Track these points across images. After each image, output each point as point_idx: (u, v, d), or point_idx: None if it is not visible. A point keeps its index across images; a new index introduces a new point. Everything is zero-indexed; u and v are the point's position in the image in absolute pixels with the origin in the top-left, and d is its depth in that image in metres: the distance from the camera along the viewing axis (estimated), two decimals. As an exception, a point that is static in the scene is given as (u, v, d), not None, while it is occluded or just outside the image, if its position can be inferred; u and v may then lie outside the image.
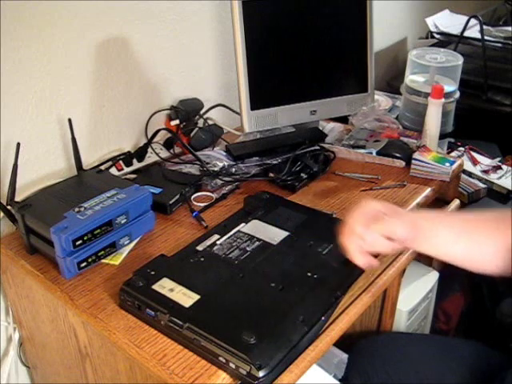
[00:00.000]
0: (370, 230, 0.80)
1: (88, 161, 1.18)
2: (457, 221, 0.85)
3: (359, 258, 0.81)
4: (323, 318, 0.80)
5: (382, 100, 1.56)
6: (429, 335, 1.32)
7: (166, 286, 0.82)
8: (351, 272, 0.88)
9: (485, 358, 1.02)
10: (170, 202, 1.07)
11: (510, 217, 0.83)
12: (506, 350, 0.96)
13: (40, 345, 1.09)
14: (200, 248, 0.92)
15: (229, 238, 0.95)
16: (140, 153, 1.22)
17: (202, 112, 1.34)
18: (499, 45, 1.83)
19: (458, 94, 1.38)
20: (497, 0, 2.45)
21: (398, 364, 1.04)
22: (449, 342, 1.12)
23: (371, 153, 1.25)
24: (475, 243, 0.83)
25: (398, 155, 1.22)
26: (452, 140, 1.54)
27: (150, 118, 1.27)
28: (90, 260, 0.90)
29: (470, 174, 1.47)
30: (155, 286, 0.82)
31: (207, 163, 1.18)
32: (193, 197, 1.13)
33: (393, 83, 1.83)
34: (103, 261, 0.94)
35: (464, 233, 0.84)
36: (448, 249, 0.84)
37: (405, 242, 0.82)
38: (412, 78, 1.43)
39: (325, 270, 0.86)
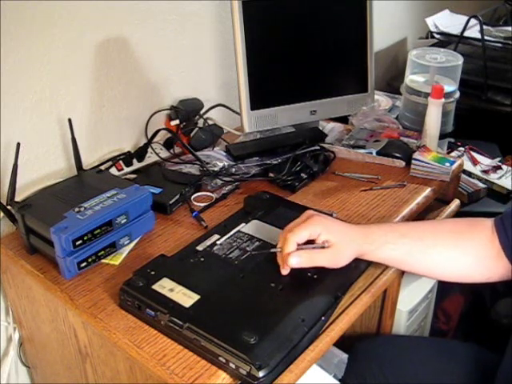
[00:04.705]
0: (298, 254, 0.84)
1: (88, 161, 1.18)
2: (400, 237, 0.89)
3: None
4: (323, 318, 0.80)
5: (382, 100, 1.56)
6: (427, 338, 1.32)
7: (166, 286, 0.82)
8: (351, 272, 0.88)
9: (482, 360, 1.02)
10: (170, 202, 1.07)
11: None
12: (503, 350, 0.95)
13: (40, 345, 1.09)
14: (200, 248, 0.92)
15: (229, 238, 0.95)
16: (140, 153, 1.22)
17: (202, 112, 1.34)
18: (499, 45, 1.83)
19: (457, 94, 1.38)
20: (497, 0, 2.45)
21: (395, 366, 1.04)
22: (447, 344, 1.12)
23: (371, 153, 1.25)
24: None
25: (398, 155, 1.22)
26: (452, 140, 1.54)
27: (149, 118, 1.27)
28: (90, 260, 0.90)
29: (470, 174, 1.47)
30: (155, 286, 0.82)
31: (207, 163, 1.18)
32: (193, 197, 1.13)
33: (393, 83, 1.83)
34: (103, 261, 0.94)
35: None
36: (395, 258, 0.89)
37: None
38: (412, 78, 1.43)
39: (325, 270, 0.86)
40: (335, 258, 0.85)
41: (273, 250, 0.87)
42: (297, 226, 0.85)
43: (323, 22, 1.26)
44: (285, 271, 0.85)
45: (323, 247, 0.84)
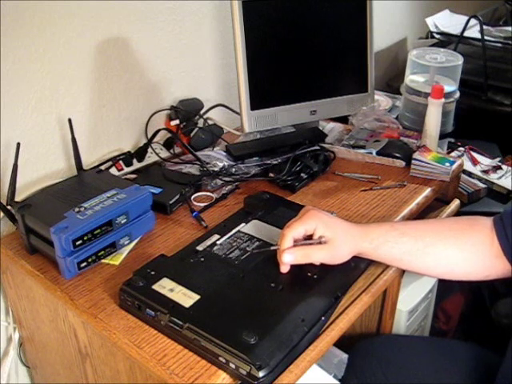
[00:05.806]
0: (293, 251, 0.84)
1: (88, 161, 1.18)
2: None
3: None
4: (323, 318, 0.80)
5: (382, 100, 1.56)
6: (427, 337, 1.32)
7: (166, 286, 0.82)
8: (351, 272, 0.88)
9: (482, 360, 1.02)
10: (170, 202, 1.07)
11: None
12: (504, 350, 0.96)
13: (40, 345, 1.09)
14: (200, 248, 0.92)
15: (229, 238, 0.95)
16: (140, 153, 1.22)
17: (202, 112, 1.34)
18: (499, 45, 1.83)
19: (457, 94, 1.38)
20: (497, 0, 2.45)
21: (395, 366, 1.04)
22: (447, 343, 1.12)
23: (371, 153, 1.25)
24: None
25: (397, 155, 1.22)
26: (452, 140, 1.55)
27: (149, 118, 1.27)
28: (90, 260, 0.90)
29: (470, 174, 1.47)
30: (155, 286, 0.82)
31: (207, 163, 1.18)
32: (193, 197, 1.13)
33: (393, 83, 1.83)
34: (103, 261, 0.94)
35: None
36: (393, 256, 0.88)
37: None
38: (412, 78, 1.43)
39: (325, 270, 0.86)
40: (332, 254, 0.85)
41: (272, 248, 0.87)
42: (293, 222, 0.85)
43: (323, 21, 1.26)
44: (283, 269, 0.86)
45: (320, 243, 0.84)
